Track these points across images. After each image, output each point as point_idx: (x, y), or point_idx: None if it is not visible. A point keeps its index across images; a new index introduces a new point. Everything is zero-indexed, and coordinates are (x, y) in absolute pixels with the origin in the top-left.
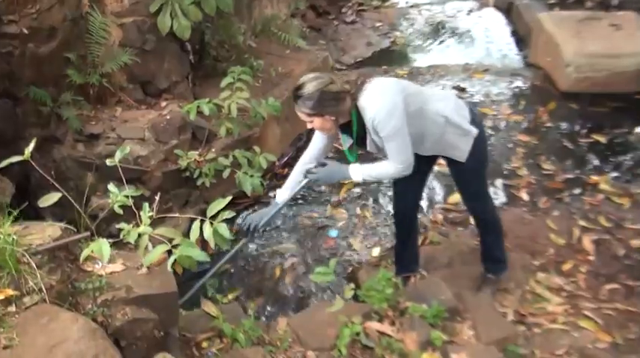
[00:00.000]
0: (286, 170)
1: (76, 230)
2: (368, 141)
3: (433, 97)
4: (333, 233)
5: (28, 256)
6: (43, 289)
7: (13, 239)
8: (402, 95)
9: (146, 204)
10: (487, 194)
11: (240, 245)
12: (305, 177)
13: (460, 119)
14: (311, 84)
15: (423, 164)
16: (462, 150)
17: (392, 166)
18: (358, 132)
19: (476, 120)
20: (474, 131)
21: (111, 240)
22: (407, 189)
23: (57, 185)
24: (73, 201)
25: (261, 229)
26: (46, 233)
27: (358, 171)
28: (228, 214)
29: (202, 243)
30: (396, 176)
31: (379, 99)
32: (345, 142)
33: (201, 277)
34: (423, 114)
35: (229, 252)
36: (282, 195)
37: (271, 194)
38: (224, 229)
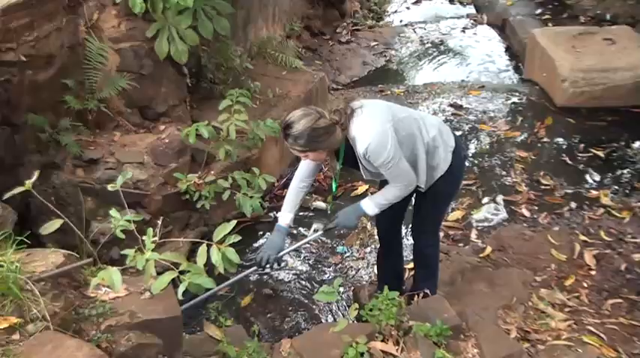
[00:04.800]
0: (285, 191)
1: (78, 256)
2: (362, 169)
3: (421, 122)
4: (342, 249)
5: (31, 283)
6: (47, 316)
7: (17, 266)
8: (392, 122)
9: (150, 229)
10: (438, 231)
11: (250, 271)
12: (315, 231)
13: (444, 149)
14: (300, 122)
15: None
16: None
17: (396, 188)
18: (345, 158)
19: (457, 150)
20: (444, 168)
21: (117, 268)
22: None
23: (58, 212)
24: (74, 228)
25: (274, 264)
26: (49, 260)
27: (370, 204)
28: (234, 238)
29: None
30: (405, 194)
31: (369, 132)
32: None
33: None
34: (413, 139)
35: (236, 275)
36: (285, 218)
37: (271, 214)
38: (232, 253)
